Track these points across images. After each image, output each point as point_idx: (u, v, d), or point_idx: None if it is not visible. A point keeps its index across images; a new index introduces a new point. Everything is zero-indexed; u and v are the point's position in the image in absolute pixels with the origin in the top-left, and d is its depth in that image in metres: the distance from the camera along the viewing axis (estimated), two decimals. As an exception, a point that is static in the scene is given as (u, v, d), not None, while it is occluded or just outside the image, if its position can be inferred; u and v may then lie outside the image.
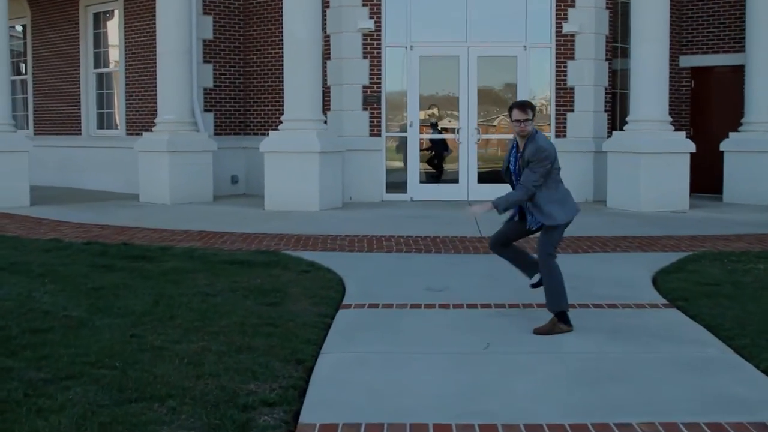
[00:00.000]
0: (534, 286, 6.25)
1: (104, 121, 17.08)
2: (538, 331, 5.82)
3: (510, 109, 5.88)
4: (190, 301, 6.58)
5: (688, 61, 15.57)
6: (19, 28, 19.20)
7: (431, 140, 14.49)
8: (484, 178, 13.88)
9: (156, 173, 13.83)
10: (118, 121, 16.66)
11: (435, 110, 14.54)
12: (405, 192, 14.10)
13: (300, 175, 12.54)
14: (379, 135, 13.99)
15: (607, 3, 14.02)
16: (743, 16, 14.48)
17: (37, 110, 18.56)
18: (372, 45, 13.86)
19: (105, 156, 16.43)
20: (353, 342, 5.67)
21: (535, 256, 6.11)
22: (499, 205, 5.85)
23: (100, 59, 17.01)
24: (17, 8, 17.72)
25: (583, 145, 13.81)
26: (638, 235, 10.08)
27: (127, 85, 16.09)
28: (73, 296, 6.76)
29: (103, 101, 17.08)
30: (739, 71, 14.70)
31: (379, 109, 13.94)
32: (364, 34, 13.84)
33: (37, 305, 6.42)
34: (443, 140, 14.49)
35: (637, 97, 13.02)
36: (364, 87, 13.90)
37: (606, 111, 14.23)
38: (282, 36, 13.23)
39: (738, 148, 13.86)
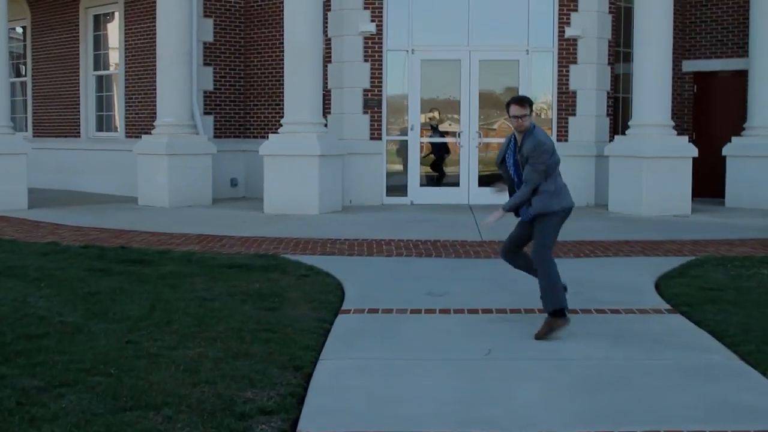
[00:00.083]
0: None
1: (103, 123, 17.03)
2: (538, 336, 5.77)
3: (508, 105, 5.88)
4: (188, 306, 6.50)
5: (690, 65, 15.52)
6: (19, 29, 19.16)
7: (432, 144, 14.43)
8: (485, 181, 13.78)
9: (155, 176, 13.76)
10: (117, 124, 16.60)
11: (436, 114, 14.49)
12: (405, 195, 14.05)
13: (300, 178, 12.48)
14: (380, 138, 13.93)
15: (609, 7, 13.98)
16: (747, 21, 14.43)
17: (36, 112, 18.50)
18: (373, 48, 13.81)
19: (104, 159, 16.37)
20: (353, 348, 5.60)
21: None
22: (509, 208, 5.89)
23: (99, 61, 16.97)
24: (17, 10, 17.67)
25: (585, 150, 13.75)
26: (640, 240, 10.02)
27: (126, 87, 16.04)
28: (69, 301, 6.68)
29: (103, 104, 17.03)
30: (742, 76, 14.64)
31: (380, 112, 13.89)
32: (366, 38, 13.79)
33: (33, 310, 6.34)
34: (444, 144, 14.43)
35: (639, 102, 12.97)
36: (365, 90, 13.85)
37: (608, 115, 14.18)
38: (282, 39, 13.18)
39: (740, 152, 13.82)
